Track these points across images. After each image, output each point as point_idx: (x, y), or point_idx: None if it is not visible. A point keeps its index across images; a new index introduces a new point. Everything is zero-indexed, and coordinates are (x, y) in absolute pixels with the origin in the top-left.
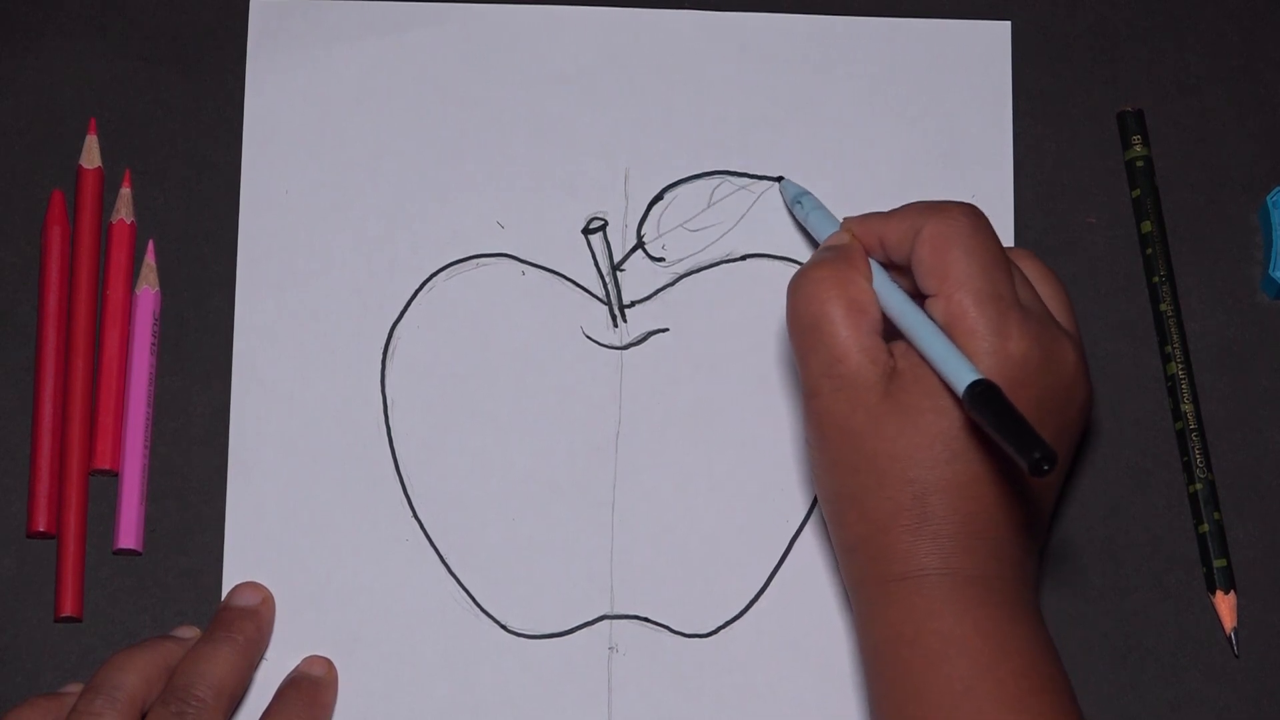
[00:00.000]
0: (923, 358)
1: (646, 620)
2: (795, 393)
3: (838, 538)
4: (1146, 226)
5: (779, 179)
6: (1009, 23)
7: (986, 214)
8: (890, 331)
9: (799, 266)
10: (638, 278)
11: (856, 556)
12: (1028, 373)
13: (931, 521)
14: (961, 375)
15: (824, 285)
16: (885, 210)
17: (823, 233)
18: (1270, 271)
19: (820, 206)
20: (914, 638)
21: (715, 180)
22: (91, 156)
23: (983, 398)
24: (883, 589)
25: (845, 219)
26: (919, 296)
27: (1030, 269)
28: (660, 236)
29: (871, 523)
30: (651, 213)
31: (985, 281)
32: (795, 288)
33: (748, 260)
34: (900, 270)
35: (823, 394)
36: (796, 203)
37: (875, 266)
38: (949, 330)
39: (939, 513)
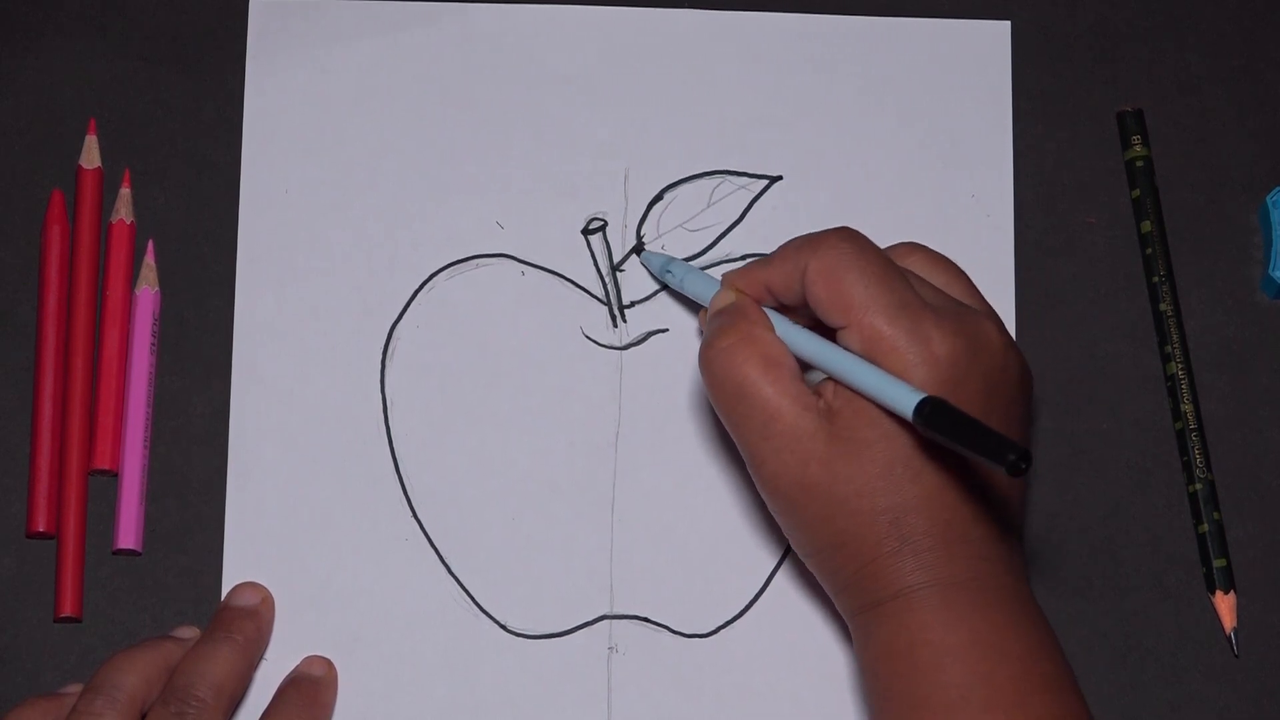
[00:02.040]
0: (855, 391)
1: (646, 620)
2: None
3: (826, 581)
4: (1146, 226)
5: (778, 178)
6: (1009, 23)
7: (986, 213)
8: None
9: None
10: (637, 278)
11: (847, 593)
12: (960, 368)
13: (911, 540)
14: (904, 400)
15: (733, 352)
16: (762, 257)
17: (704, 294)
18: (1270, 271)
19: (692, 269)
20: (907, 651)
21: (715, 180)
22: (91, 156)
23: (934, 416)
24: (874, 613)
25: (725, 274)
26: (824, 332)
27: (918, 262)
28: (660, 237)
29: (857, 560)
30: (651, 213)
31: (888, 296)
32: (706, 363)
33: (747, 260)
34: (793, 312)
35: (768, 460)
36: (666, 272)
37: (773, 315)
38: (870, 356)
39: (917, 529)
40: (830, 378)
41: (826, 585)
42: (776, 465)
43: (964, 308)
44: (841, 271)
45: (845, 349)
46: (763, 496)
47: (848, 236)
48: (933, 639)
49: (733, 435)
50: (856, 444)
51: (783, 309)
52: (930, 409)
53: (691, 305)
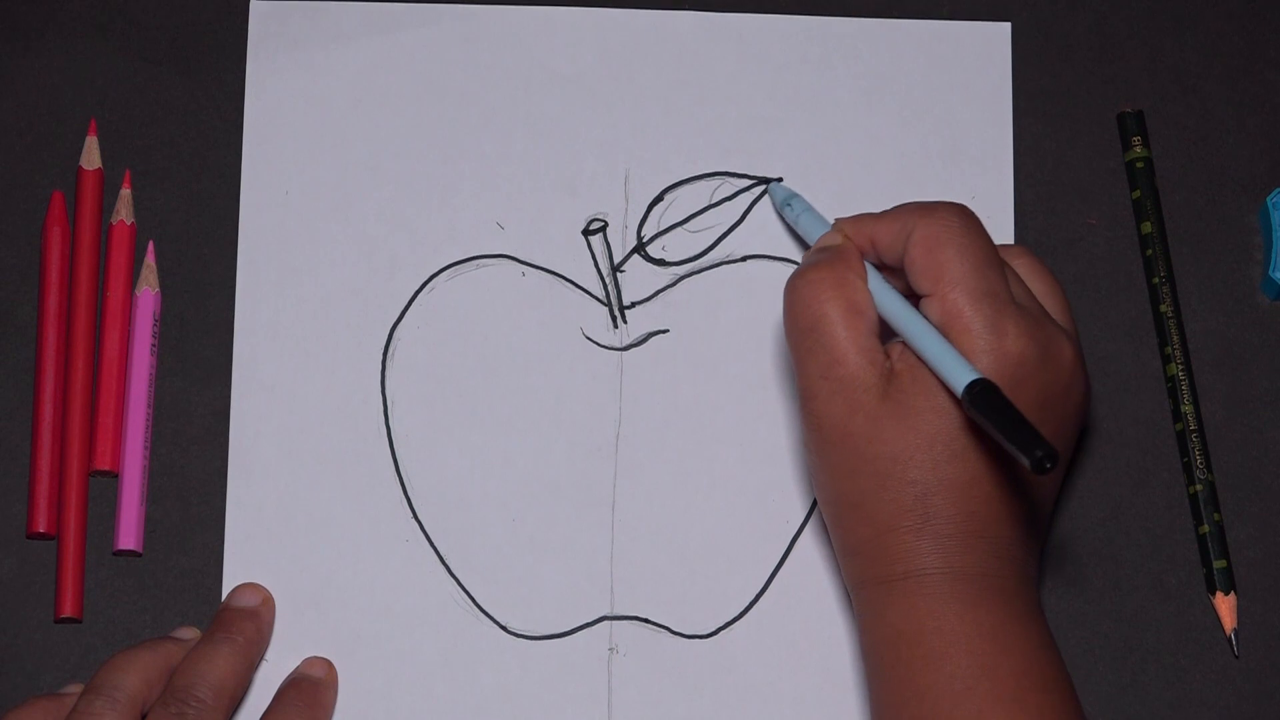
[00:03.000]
0: (920, 358)
1: (646, 621)
2: (794, 395)
3: (838, 540)
4: (1146, 227)
5: (778, 179)
6: (1009, 23)
7: (986, 214)
8: (886, 333)
9: (795, 267)
10: (638, 279)
11: (858, 558)
12: (1025, 370)
13: (933, 521)
14: (959, 375)
15: (821, 287)
16: (877, 211)
17: (814, 234)
18: (1270, 272)
19: (810, 209)
20: (915, 636)
21: (715, 181)
22: (92, 157)
23: (982, 397)
24: (884, 589)
25: (837, 220)
26: (913, 297)
27: (1024, 266)
28: (660, 237)
29: (873, 525)
30: (652, 214)
31: (979, 280)
32: (792, 290)
33: (748, 261)
34: (891, 271)
35: (820, 396)
36: (786, 205)
37: (869, 267)
38: (945, 330)
39: (941, 512)
40: (901, 340)
41: (837, 544)
42: (827, 405)
43: (1049, 318)
44: (944, 242)
45: (924, 317)
46: (803, 432)
47: (960, 213)
48: (941, 627)
49: (795, 366)
50: (907, 409)
51: (882, 267)
52: (980, 389)
53: (690, 308)
